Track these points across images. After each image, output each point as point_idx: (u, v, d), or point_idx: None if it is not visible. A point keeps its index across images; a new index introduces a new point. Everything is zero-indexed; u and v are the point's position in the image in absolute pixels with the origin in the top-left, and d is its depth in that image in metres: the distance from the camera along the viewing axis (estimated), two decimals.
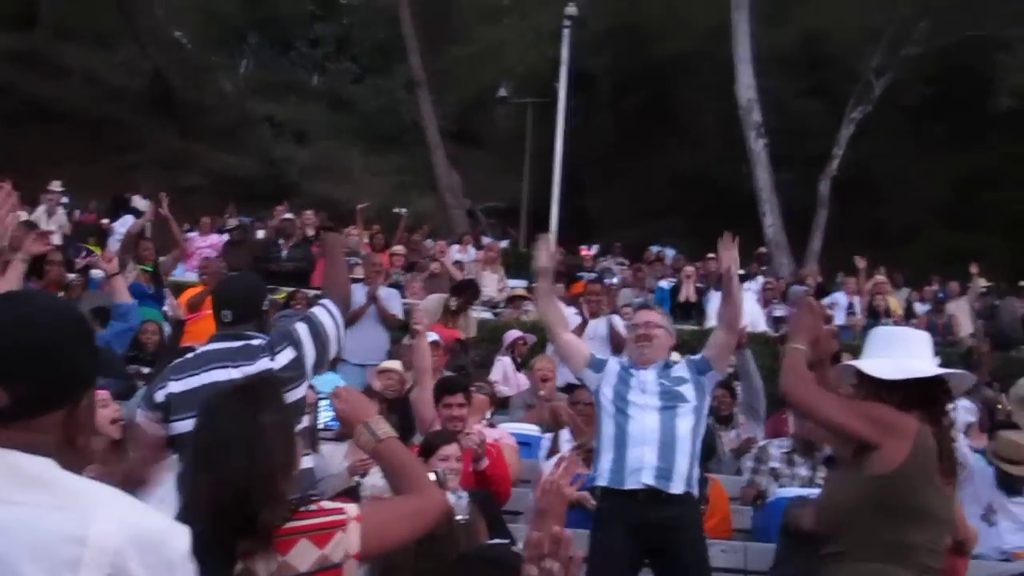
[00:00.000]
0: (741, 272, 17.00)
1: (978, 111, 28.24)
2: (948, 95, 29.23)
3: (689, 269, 17.64)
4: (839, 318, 15.81)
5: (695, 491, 5.99)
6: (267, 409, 2.91)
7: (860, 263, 17.20)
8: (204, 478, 2.86)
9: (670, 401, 6.01)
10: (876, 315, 16.26)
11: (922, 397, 4.00)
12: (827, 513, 4.12)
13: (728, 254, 6.22)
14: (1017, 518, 7.34)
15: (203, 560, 2.11)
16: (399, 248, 17.85)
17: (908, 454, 3.88)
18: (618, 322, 11.81)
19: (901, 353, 4.13)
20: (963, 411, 8.86)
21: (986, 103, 27.41)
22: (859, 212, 27.86)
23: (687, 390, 6.05)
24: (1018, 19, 25.72)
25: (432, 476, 3.32)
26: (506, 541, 5.47)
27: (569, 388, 8.95)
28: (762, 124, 26.03)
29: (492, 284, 16.90)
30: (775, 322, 15.33)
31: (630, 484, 5.84)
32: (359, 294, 11.67)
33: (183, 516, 2.63)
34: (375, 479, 6.25)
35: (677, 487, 5.84)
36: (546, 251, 6.48)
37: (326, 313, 4.95)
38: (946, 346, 14.80)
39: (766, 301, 16.44)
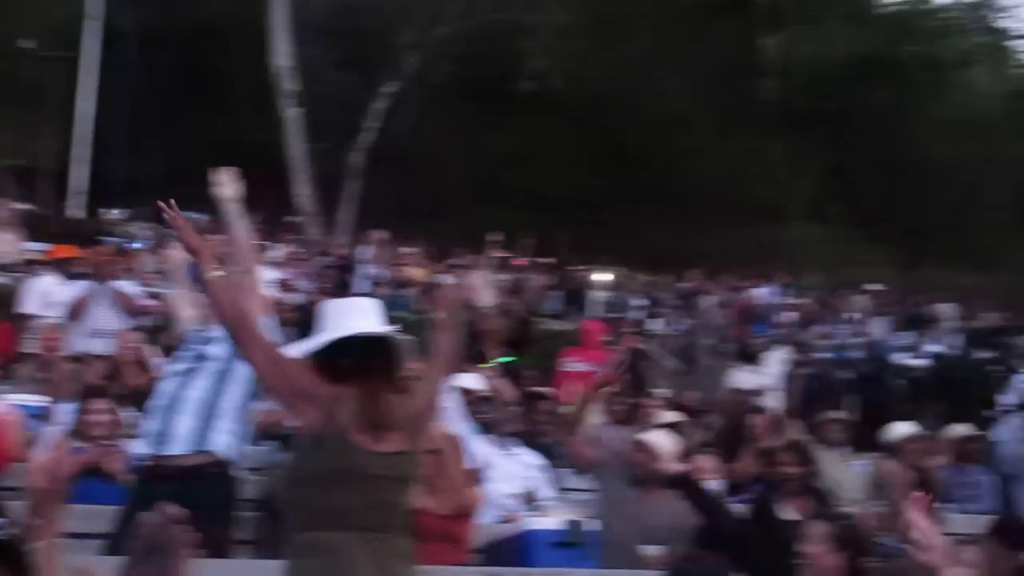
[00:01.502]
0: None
1: (504, 92, 29.46)
2: (477, 75, 30.27)
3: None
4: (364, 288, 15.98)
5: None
6: None
7: (378, 235, 17.54)
8: None
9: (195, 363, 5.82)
10: (402, 286, 16.58)
11: (355, 362, 4.05)
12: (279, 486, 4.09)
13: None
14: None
15: None
16: None
17: (319, 419, 3.92)
18: (127, 287, 11.49)
19: (341, 324, 4.17)
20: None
21: (510, 85, 28.64)
22: (391, 185, 28.29)
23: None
24: (539, 5, 26.98)
25: None
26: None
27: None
28: (297, 93, 25.95)
29: (7, 246, 15.86)
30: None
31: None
32: None
33: None
34: None
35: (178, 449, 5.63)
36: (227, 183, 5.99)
37: None
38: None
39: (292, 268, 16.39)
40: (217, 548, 5.46)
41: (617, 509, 6.86)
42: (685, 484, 7.06)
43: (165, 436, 5.64)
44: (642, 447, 7.33)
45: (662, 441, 7.47)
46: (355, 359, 4.06)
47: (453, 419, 7.40)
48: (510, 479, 7.42)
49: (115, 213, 22.46)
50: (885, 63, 34.83)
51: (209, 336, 5.90)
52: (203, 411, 5.70)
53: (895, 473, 6.99)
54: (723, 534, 6.70)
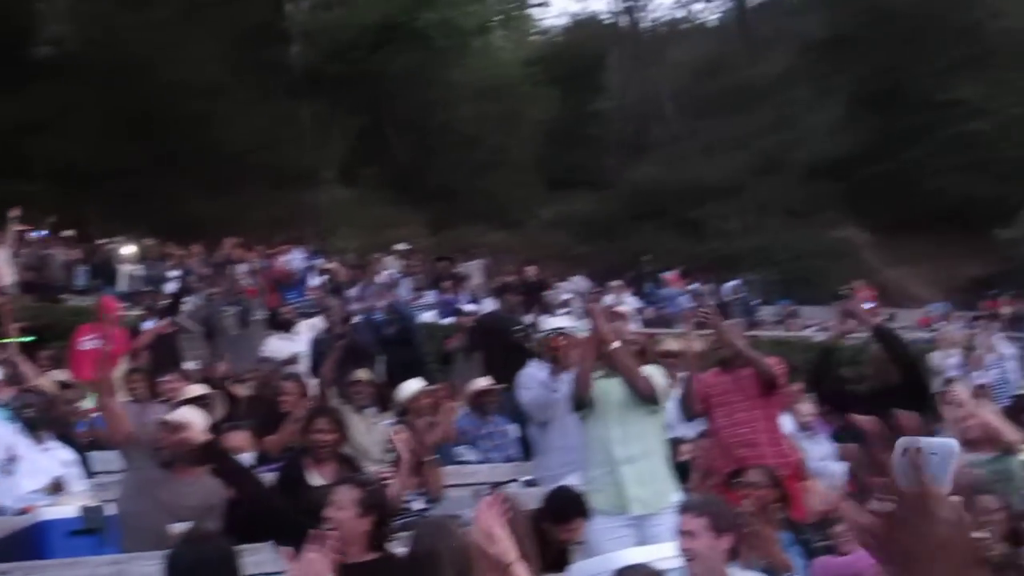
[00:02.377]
0: None
1: (19, 57, 27.91)
2: None
3: None
4: None
5: None
6: None
7: None
8: None
9: None
10: None
11: None
12: None
13: None
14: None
15: None
16: None
17: None
18: None
19: None
20: None
21: (26, 50, 27.19)
22: None
23: None
24: None
25: None
26: None
27: None
28: None
29: None
30: None
31: None
32: None
33: None
34: None
35: None
36: None
37: None
38: None
39: None
40: None
41: (144, 490, 6.71)
42: (213, 456, 7.02)
43: None
44: (168, 425, 7.24)
45: (190, 416, 7.40)
46: None
47: None
48: (38, 473, 7.04)
49: None
50: (407, 29, 35.73)
51: None
52: None
53: (403, 438, 7.23)
54: (253, 504, 6.73)
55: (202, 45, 31.29)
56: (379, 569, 5.32)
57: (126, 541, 6.38)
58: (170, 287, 17.17)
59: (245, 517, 6.73)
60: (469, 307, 16.34)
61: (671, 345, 9.93)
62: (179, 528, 6.63)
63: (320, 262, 20.97)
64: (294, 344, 13.15)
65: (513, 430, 10.02)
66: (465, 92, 37.15)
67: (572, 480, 7.71)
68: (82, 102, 29.19)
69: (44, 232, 19.94)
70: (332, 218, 31.68)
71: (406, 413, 8.99)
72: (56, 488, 6.79)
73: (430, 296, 18.52)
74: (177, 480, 6.97)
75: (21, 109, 28.42)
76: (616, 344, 7.37)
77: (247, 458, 8.03)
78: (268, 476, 7.94)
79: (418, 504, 7.26)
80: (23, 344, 10.34)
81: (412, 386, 9.50)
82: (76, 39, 31.15)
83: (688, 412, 8.20)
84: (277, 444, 8.92)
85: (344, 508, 5.76)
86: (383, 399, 9.36)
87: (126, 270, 18.88)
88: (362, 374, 9.49)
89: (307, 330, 13.68)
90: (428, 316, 16.75)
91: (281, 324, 13.95)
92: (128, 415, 8.09)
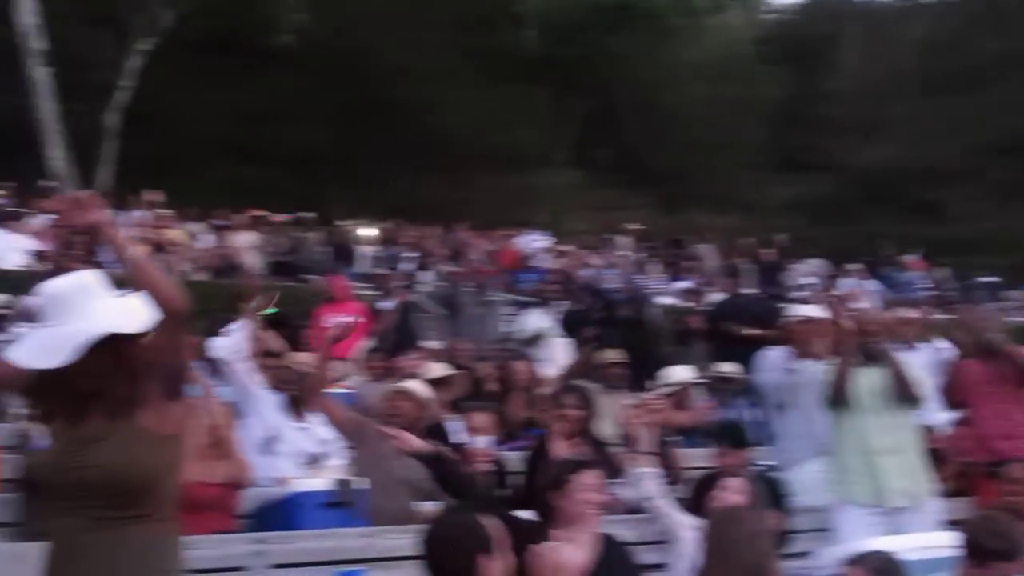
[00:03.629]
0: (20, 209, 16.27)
1: (261, 46, 28.93)
2: (233, 29, 29.67)
3: None
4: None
5: None
6: None
7: (150, 196, 17.14)
8: None
9: None
10: (162, 249, 16.16)
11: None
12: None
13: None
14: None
15: None
16: None
17: None
18: None
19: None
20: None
21: (267, 40, 28.14)
22: (147, 145, 27.49)
23: None
24: None
25: None
26: None
27: None
28: (45, 52, 24.90)
29: None
30: None
31: None
32: None
33: None
34: None
35: None
36: None
37: None
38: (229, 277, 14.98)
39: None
40: None
41: (376, 466, 6.84)
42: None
43: None
44: (398, 396, 7.39)
45: (415, 388, 7.54)
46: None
47: (246, 384, 7.25)
48: (298, 451, 7.21)
49: None
50: (642, 8, 35.60)
51: None
52: None
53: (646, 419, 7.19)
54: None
55: (434, 31, 31.89)
56: None
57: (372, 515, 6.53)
58: (406, 268, 17.56)
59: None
60: (704, 290, 16.22)
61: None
62: (420, 504, 6.81)
63: (552, 244, 21.10)
64: (530, 324, 13.28)
65: (756, 415, 9.87)
66: (696, 72, 36.80)
67: (814, 466, 7.58)
68: (319, 89, 30.11)
69: (286, 216, 20.63)
70: (562, 201, 31.89)
71: (667, 397, 8.90)
72: (314, 464, 6.98)
73: (663, 279, 18.45)
74: (407, 455, 7.13)
75: (263, 98, 29.54)
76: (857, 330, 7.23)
77: (487, 440, 8.10)
78: (512, 454, 8.04)
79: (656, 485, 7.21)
80: (271, 320, 10.59)
81: (678, 372, 9.48)
82: (314, 28, 32.11)
83: (949, 401, 7.96)
84: (513, 419, 9.02)
85: (587, 491, 5.78)
86: (631, 380, 9.37)
87: (365, 252, 19.35)
88: (613, 354, 9.50)
89: (542, 311, 13.79)
90: (662, 299, 16.67)
91: (517, 305, 14.14)
92: (364, 392, 8.28)
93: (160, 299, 3.73)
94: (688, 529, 6.31)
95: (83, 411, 3.77)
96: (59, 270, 5.31)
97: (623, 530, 6.26)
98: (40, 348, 3.69)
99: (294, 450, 7.14)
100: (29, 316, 5.38)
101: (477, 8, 33.09)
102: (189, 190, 21.45)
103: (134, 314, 3.78)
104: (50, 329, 3.74)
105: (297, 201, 22.64)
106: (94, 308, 3.78)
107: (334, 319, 12.13)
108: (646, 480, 6.73)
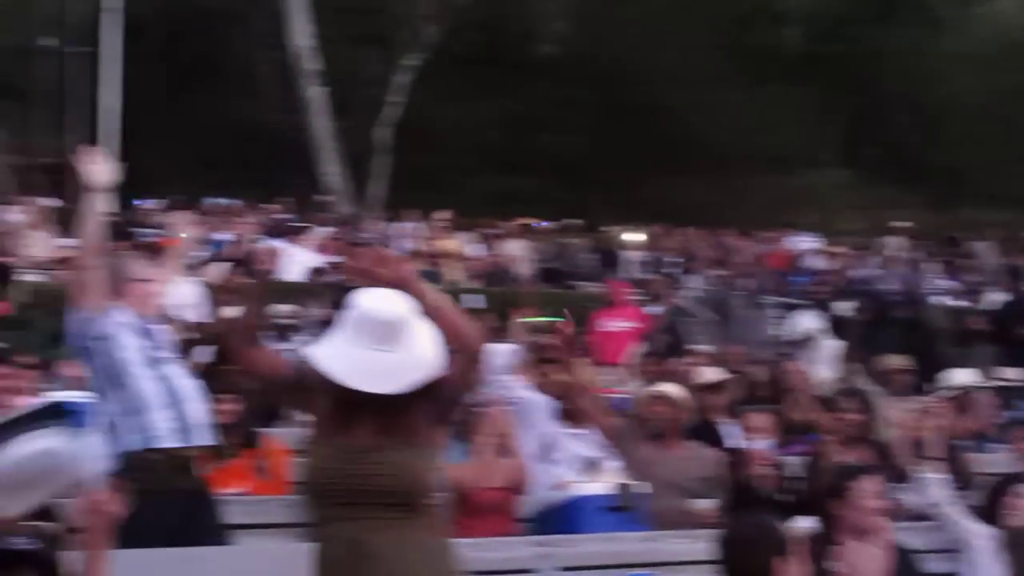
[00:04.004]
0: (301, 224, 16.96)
1: (525, 56, 29.35)
2: (495, 42, 30.20)
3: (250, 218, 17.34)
4: None
5: None
6: None
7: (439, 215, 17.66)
8: None
9: None
10: (437, 259, 16.55)
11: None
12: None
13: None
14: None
15: None
16: None
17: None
18: None
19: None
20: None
21: (530, 50, 28.55)
22: (416, 158, 28.26)
23: None
24: None
25: None
26: None
27: None
28: (318, 72, 25.96)
29: (41, 244, 15.94)
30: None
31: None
32: None
33: None
34: None
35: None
36: (96, 163, 5.84)
37: None
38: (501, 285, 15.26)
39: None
40: None
41: (639, 469, 6.84)
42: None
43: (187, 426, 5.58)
44: (658, 399, 7.33)
45: (672, 391, 7.47)
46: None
47: (522, 392, 7.34)
48: (573, 457, 7.26)
49: (149, 204, 22.41)
50: (907, 0, 34.53)
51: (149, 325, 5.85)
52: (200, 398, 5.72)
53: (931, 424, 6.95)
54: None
55: (695, 34, 31.69)
56: None
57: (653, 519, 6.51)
58: (672, 272, 17.49)
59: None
60: (984, 290, 15.59)
61: None
62: (698, 503, 6.74)
63: (822, 245, 20.64)
64: (800, 326, 13.03)
65: None
66: (968, 63, 35.36)
67: None
68: (581, 97, 30.32)
69: (552, 223, 20.88)
70: (830, 201, 31.18)
71: (952, 401, 8.58)
72: (591, 469, 7.00)
73: (940, 278, 17.78)
74: (670, 455, 7.05)
75: (527, 107, 29.95)
76: None
77: (766, 443, 7.97)
78: (791, 459, 7.88)
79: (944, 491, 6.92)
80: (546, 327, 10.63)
81: (960, 375, 9.14)
82: (575, 36, 32.37)
83: None
84: (795, 426, 8.83)
85: (868, 498, 5.61)
86: (914, 386, 9.09)
87: (630, 257, 19.37)
88: (897, 360, 9.23)
89: (813, 313, 13.51)
90: (940, 299, 16.05)
91: (786, 307, 13.90)
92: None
93: (459, 340, 3.90)
94: (980, 538, 6.06)
95: (353, 420, 3.92)
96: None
97: (909, 537, 6.07)
98: (370, 371, 3.82)
99: (570, 456, 7.16)
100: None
101: (738, 8, 32.70)
102: (456, 201, 21.96)
103: (440, 347, 3.91)
104: (379, 353, 3.85)
105: (561, 208, 22.90)
106: (418, 340, 3.91)
107: (612, 324, 12.24)
108: (933, 486, 6.50)
